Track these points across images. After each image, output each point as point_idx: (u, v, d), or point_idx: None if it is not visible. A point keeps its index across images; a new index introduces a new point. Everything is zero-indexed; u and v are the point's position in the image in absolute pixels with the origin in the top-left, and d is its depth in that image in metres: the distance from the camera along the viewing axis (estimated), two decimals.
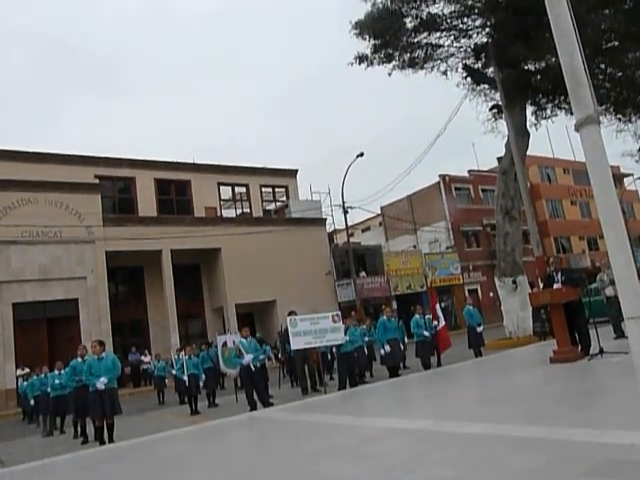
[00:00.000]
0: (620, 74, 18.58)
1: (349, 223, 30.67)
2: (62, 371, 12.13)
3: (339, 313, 11.42)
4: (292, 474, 4.53)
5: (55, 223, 22.27)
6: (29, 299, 21.98)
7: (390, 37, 18.51)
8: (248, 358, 10.44)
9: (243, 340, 10.90)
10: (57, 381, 11.83)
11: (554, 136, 65.92)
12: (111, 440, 8.58)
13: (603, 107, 19.26)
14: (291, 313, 14.75)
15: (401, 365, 13.30)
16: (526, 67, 19.56)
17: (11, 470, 6.94)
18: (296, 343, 10.85)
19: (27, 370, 18.42)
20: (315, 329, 10.72)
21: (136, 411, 13.30)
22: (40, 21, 78.41)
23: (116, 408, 8.77)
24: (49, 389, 12.37)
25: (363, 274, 31.51)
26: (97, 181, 24.93)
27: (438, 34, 19.12)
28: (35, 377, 14.61)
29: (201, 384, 12.84)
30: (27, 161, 23.92)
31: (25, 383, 16.04)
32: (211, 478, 4.77)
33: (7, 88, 73.42)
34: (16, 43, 78.06)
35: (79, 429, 10.49)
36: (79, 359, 10.12)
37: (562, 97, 19.48)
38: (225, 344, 13.34)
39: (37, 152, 24.95)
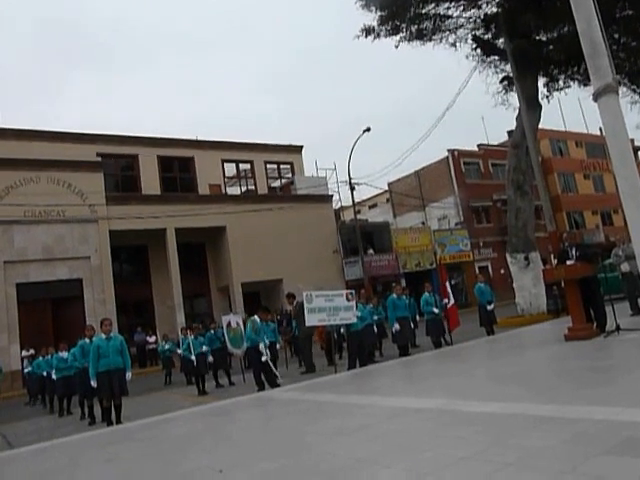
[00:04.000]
0: (635, 43, 18.26)
1: (356, 200, 30.57)
2: (66, 352, 12.25)
3: (353, 292, 11.38)
4: (303, 454, 4.53)
5: (58, 202, 22.29)
6: (33, 279, 22.14)
7: (397, 8, 18.23)
8: (262, 346, 10.45)
9: (256, 319, 10.92)
10: (69, 358, 11.86)
11: (566, 108, 65.18)
12: (119, 421, 8.65)
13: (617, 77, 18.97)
14: (289, 295, 14.78)
15: (410, 343, 13.30)
16: (537, 37, 19.25)
17: (20, 451, 7.01)
18: (310, 320, 10.84)
19: (32, 351, 18.59)
20: (329, 306, 10.67)
21: (143, 392, 13.42)
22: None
23: (124, 389, 8.85)
24: (53, 371, 12.49)
25: (371, 251, 31.49)
26: (99, 159, 24.87)
27: (447, 4, 18.81)
28: (41, 358, 14.74)
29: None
30: (28, 139, 23.84)
31: (30, 364, 16.21)
32: (221, 458, 4.79)
33: (5, 65, 73.10)
34: (14, 20, 77.43)
35: (86, 410, 10.60)
36: (87, 339, 10.14)
37: (575, 68, 19.22)
38: (229, 324, 13.39)
39: (38, 130, 24.85)
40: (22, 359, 19.92)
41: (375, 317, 13.84)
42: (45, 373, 13.66)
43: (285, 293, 26.30)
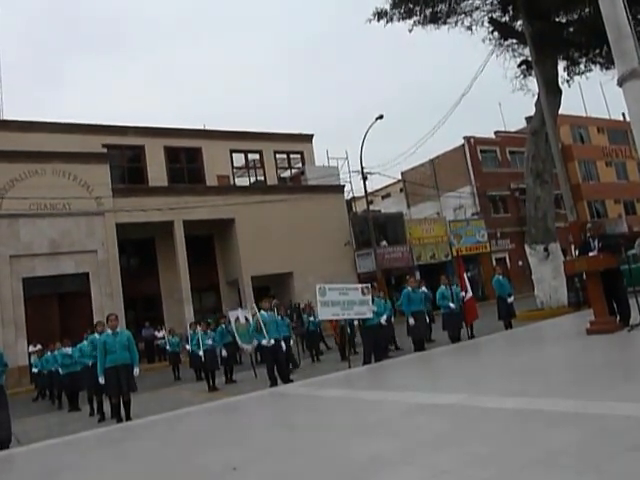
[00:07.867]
0: None
1: (368, 190, 30.48)
2: (69, 348, 12.41)
3: (369, 286, 11.38)
4: (317, 451, 4.55)
5: (63, 195, 22.43)
6: (39, 274, 22.35)
7: None
8: (266, 341, 10.45)
9: (264, 313, 10.91)
10: (75, 354, 12.00)
11: (587, 93, 64.42)
12: (128, 417, 8.74)
13: None
14: (273, 297, 14.86)
15: (426, 338, 13.27)
16: (557, 19, 19.04)
17: (30, 448, 7.10)
18: (323, 313, 10.87)
19: (39, 347, 18.80)
20: (343, 300, 10.67)
21: (152, 388, 13.53)
22: None
23: (132, 385, 8.95)
24: (59, 367, 12.63)
25: (384, 243, 31.41)
26: (105, 150, 24.99)
27: None
28: (48, 354, 14.91)
29: (219, 360, 13.07)
30: (32, 131, 23.91)
31: (39, 360, 16.39)
32: (233, 455, 4.81)
33: (4, 54, 73.39)
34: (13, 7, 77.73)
35: (95, 406, 10.73)
36: (97, 335, 10.22)
37: (597, 50, 18.99)
38: (237, 319, 13.48)
39: (42, 121, 24.92)
40: (29, 354, 20.17)
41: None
42: (53, 369, 13.83)
43: (295, 287, 26.55)
